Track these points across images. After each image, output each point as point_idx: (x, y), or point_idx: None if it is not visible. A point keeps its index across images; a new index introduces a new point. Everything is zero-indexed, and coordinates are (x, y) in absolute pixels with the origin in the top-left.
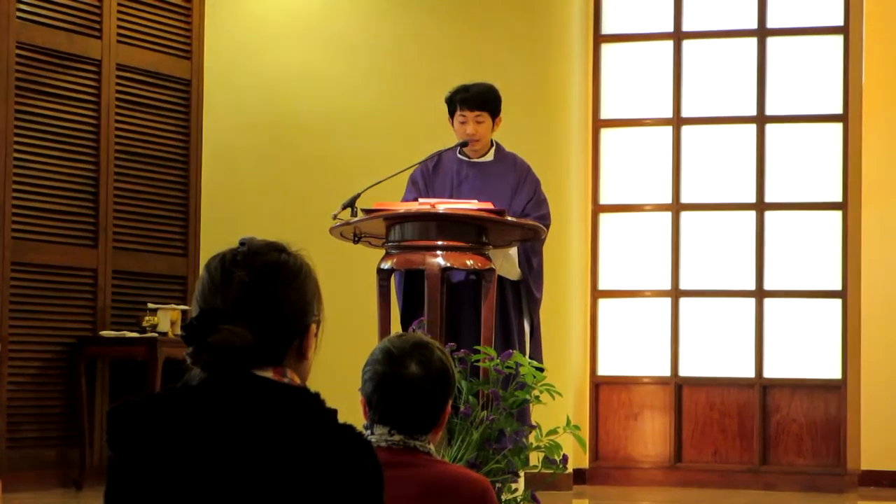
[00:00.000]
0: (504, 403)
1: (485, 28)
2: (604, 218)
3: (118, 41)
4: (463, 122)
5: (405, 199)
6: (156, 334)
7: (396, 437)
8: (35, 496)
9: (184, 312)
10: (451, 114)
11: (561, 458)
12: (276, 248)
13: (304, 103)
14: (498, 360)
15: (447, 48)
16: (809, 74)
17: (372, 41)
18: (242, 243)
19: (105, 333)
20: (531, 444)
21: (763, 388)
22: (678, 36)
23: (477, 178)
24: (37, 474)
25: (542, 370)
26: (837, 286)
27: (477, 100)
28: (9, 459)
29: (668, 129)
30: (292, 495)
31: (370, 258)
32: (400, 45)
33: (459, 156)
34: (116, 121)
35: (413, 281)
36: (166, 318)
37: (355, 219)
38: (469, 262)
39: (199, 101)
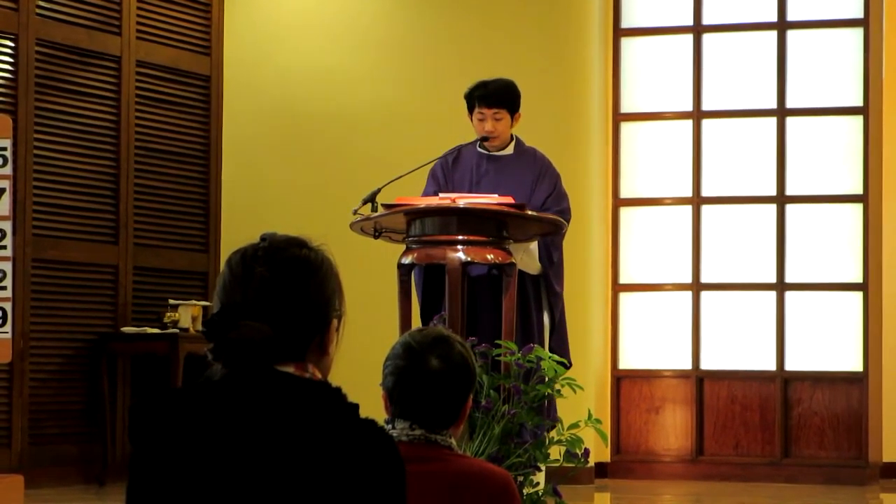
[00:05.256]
0: (525, 398)
1: (504, 22)
2: (624, 212)
3: (138, 37)
4: (481, 119)
5: (425, 194)
6: (177, 330)
7: (417, 432)
8: (57, 492)
9: (205, 308)
10: (470, 110)
11: (582, 451)
12: (298, 244)
13: (323, 99)
14: (519, 355)
15: (467, 42)
16: (830, 67)
17: (391, 36)
18: (264, 239)
19: (126, 330)
20: (553, 437)
21: (784, 381)
22: (698, 29)
23: (496, 172)
24: (59, 470)
25: (566, 366)
26: (859, 279)
27: (495, 97)
28: (31, 455)
29: (689, 123)
30: (314, 491)
31: (391, 253)
32: (419, 39)
33: (479, 150)
34: (136, 117)
35: (433, 276)
36: (187, 314)
37: (376, 214)
38: (489, 257)
39: (219, 97)
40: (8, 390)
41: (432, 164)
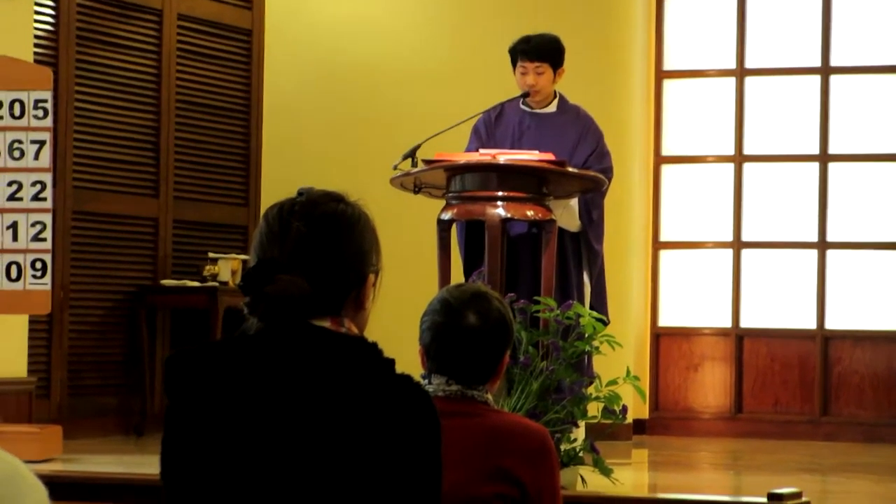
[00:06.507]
0: (564, 354)
1: None
2: (666, 169)
3: None
4: (524, 73)
5: (468, 149)
6: (216, 283)
7: (454, 387)
8: (96, 442)
9: (244, 262)
10: (514, 65)
11: (621, 408)
12: (335, 198)
13: (364, 53)
14: (558, 311)
15: None
16: (875, 24)
17: None
18: (301, 193)
19: (166, 282)
20: (591, 394)
21: (825, 340)
22: None
23: (538, 129)
24: (98, 421)
25: (605, 322)
26: None
27: (537, 51)
28: (70, 406)
29: (732, 80)
30: (349, 444)
31: (430, 208)
32: None
33: (522, 106)
34: (178, 71)
35: (476, 232)
36: (227, 268)
37: (416, 169)
38: (529, 213)
39: (260, 51)
40: (48, 342)
41: (475, 120)
